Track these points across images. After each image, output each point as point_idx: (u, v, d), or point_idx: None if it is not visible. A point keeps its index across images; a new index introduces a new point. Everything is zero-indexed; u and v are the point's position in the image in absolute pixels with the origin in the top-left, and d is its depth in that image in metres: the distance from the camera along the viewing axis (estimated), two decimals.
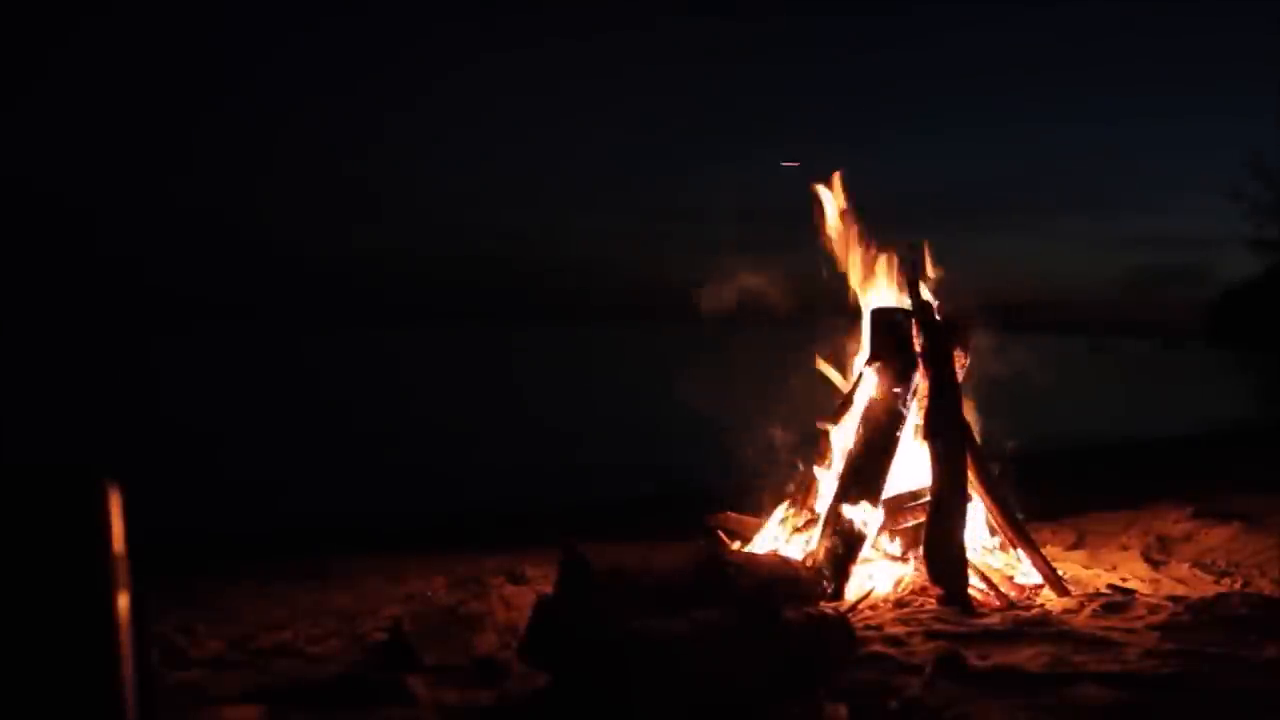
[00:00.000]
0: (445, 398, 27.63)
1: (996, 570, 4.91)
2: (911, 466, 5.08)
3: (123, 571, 2.11)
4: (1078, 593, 4.82)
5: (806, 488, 5.24)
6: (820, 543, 4.77)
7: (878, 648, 3.82)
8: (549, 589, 3.83)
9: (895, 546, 4.94)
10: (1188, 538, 6.33)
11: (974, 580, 4.69)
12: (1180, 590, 4.99)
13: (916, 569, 4.76)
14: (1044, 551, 5.09)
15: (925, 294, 5.11)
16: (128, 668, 2.10)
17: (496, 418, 21.01)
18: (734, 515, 5.33)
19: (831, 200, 5.46)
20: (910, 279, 5.14)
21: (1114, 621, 4.22)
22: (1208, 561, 5.73)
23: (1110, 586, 4.99)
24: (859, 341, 5.36)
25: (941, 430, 4.84)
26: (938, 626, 4.11)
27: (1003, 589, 4.70)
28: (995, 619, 4.28)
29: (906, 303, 5.13)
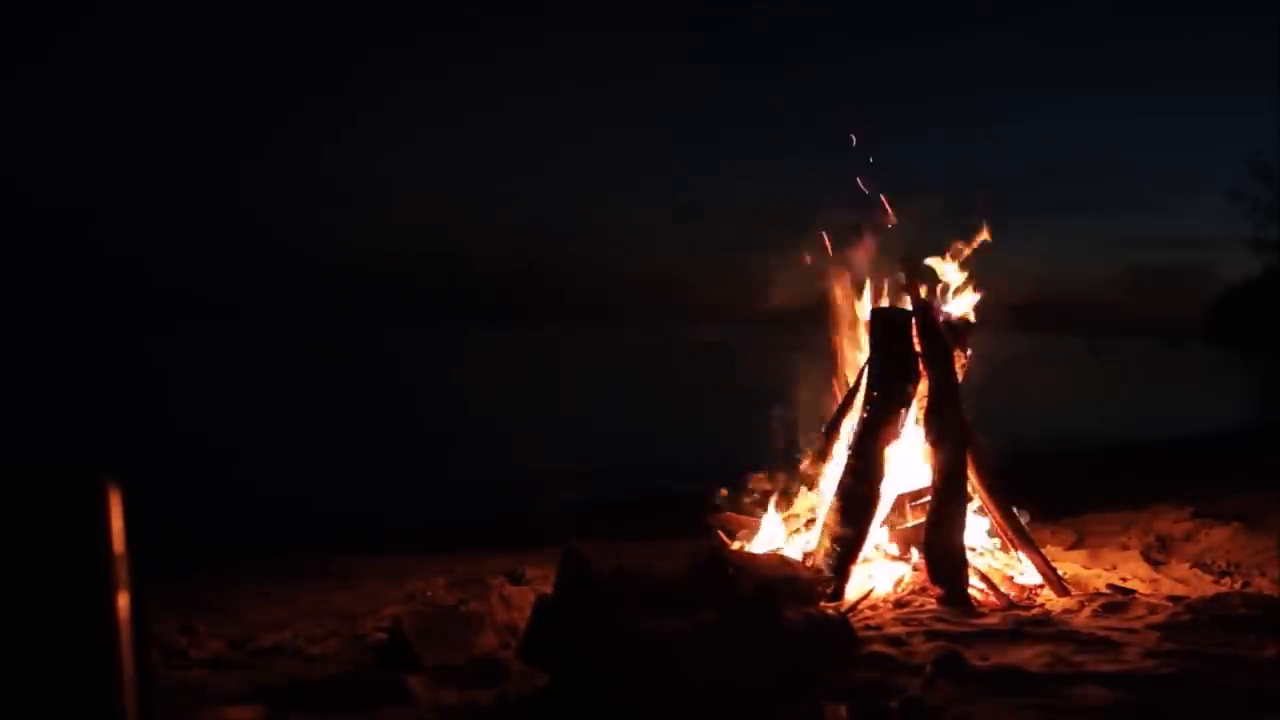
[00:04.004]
0: (445, 398, 27.60)
1: (996, 570, 4.91)
2: (911, 466, 5.08)
3: (123, 571, 2.11)
4: (1078, 593, 4.82)
5: (807, 488, 5.24)
6: (820, 543, 4.78)
7: (878, 648, 3.82)
8: (549, 589, 3.82)
9: (895, 546, 4.94)
10: (1188, 538, 6.33)
11: (974, 580, 4.69)
12: (1180, 590, 4.99)
13: (916, 569, 4.76)
14: (1044, 551, 5.09)
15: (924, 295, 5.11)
16: (128, 668, 2.10)
17: (496, 417, 20.99)
18: (734, 515, 5.32)
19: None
20: (911, 280, 5.14)
21: (1114, 621, 4.22)
22: (1208, 561, 5.73)
23: (1110, 586, 4.99)
24: (857, 343, 5.36)
25: (941, 430, 4.84)
26: (938, 626, 4.11)
27: (1003, 589, 4.71)
28: (995, 619, 4.28)
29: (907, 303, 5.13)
